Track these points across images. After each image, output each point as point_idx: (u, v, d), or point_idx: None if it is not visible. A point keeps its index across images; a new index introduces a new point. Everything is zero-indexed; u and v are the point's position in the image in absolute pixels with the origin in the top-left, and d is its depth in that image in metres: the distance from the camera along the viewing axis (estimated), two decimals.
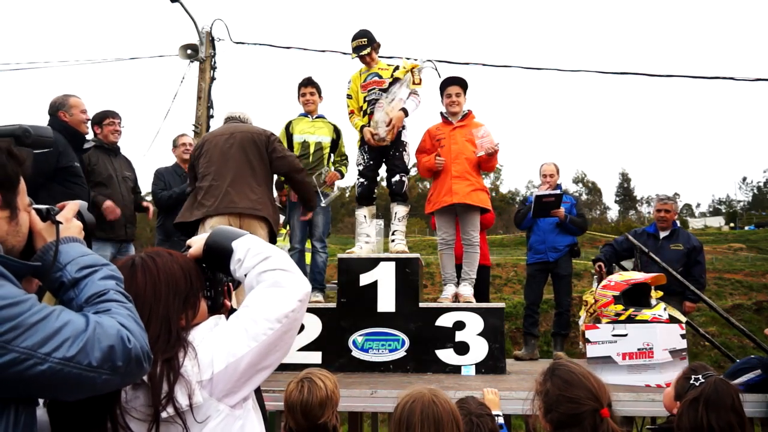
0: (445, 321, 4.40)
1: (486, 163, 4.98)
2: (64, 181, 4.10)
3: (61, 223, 1.33)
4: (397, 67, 5.07)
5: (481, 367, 4.28)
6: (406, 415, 1.94)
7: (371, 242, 5.08)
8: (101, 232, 4.73)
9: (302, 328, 4.24)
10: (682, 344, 3.81)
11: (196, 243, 1.59)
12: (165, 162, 6.02)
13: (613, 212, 79.61)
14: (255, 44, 10.38)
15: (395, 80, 4.97)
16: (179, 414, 1.31)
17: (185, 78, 9.96)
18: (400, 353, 4.36)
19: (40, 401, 1.26)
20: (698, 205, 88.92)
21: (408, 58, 5.02)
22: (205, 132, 9.21)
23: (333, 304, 4.67)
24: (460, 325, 4.37)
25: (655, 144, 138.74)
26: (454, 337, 4.35)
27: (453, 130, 5.01)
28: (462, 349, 4.33)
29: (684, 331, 3.88)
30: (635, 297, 4.06)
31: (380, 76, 5.07)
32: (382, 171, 5.24)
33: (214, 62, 9.94)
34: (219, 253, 1.54)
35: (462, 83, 5.09)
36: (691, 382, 2.54)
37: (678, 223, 5.98)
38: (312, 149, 5.26)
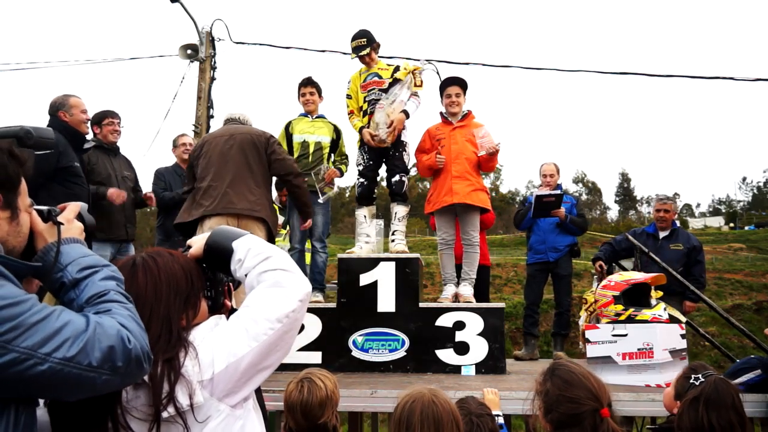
0: (445, 321, 4.40)
1: (486, 163, 4.99)
2: (64, 181, 4.11)
3: (62, 224, 1.33)
4: (397, 68, 5.08)
5: (481, 367, 4.28)
6: (406, 415, 1.94)
7: (371, 242, 5.08)
8: (101, 233, 4.74)
9: (302, 328, 4.25)
10: (682, 344, 3.81)
11: (197, 243, 1.59)
12: (165, 162, 6.03)
13: (613, 212, 79.75)
14: (255, 44, 10.38)
15: (396, 81, 4.97)
16: (180, 414, 1.31)
17: (185, 78, 9.96)
18: (400, 353, 4.36)
19: (41, 401, 1.26)
20: (698, 205, 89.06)
21: (409, 59, 5.03)
22: (205, 132, 9.22)
23: (333, 304, 4.67)
24: (460, 325, 4.37)
25: (655, 144, 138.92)
26: (454, 337, 4.36)
27: (453, 130, 5.01)
28: (462, 349, 4.33)
29: (684, 331, 3.88)
30: (635, 297, 4.06)
31: (380, 77, 5.07)
32: (382, 171, 5.25)
33: (214, 62, 9.93)
34: (219, 253, 1.54)
35: (462, 83, 5.10)
36: (691, 381, 2.54)
37: (678, 223, 5.98)
38: (311, 149, 5.26)
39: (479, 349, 4.31)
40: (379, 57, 5.23)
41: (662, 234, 5.65)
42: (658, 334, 3.81)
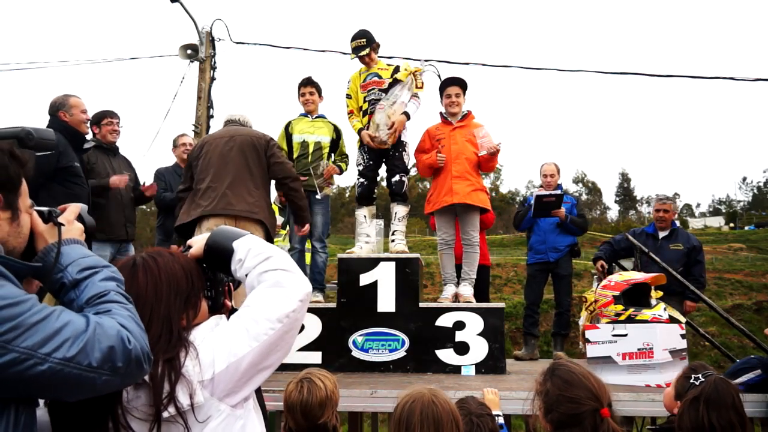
0: (445, 321, 4.40)
1: (487, 163, 4.99)
2: (64, 181, 4.11)
3: (63, 224, 1.33)
4: (397, 68, 5.08)
5: (481, 367, 4.28)
6: (405, 415, 1.94)
7: (371, 242, 5.09)
8: (101, 233, 4.74)
9: (302, 328, 4.25)
10: (682, 344, 3.81)
11: (197, 243, 1.59)
12: (165, 162, 6.04)
13: (613, 212, 79.72)
14: (255, 44, 10.38)
15: (395, 81, 4.97)
16: (180, 414, 1.31)
17: (185, 78, 9.96)
18: (400, 353, 4.36)
19: (41, 401, 1.26)
20: (698, 205, 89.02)
21: (409, 59, 5.03)
22: (205, 132, 9.22)
23: (333, 304, 4.67)
24: (460, 325, 4.38)
25: (655, 144, 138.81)
26: (454, 337, 4.36)
27: (453, 130, 5.01)
28: (462, 349, 4.33)
29: (684, 331, 3.88)
30: (635, 297, 4.07)
31: (380, 77, 5.07)
32: (382, 171, 5.25)
33: (214, 62, 9.93)
34: (220, 253, 1.54)
35: (461, 84, 5.10)
36: (691, 381, 2.54)
37: (677, 223, 5.98)
38: (311, 149, 5.27)
39: (479, 349, 4.31)
40: (378, 57, 5.23)
41: (662, 234, 5.65)
42: (658, 334, 3.81)
